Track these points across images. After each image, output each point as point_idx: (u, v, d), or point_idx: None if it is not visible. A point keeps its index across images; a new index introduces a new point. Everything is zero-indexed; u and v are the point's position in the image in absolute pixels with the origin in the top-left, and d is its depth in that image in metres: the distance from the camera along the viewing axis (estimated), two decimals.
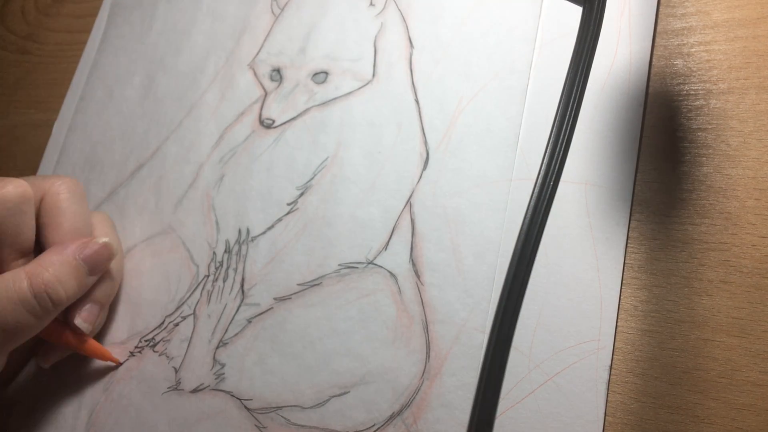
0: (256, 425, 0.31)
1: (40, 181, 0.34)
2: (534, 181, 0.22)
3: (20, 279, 0.30)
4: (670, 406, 0.27)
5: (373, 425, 0.30)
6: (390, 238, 0.33)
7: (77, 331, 0.34)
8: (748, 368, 0.26)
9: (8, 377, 0.37)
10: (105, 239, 0.34)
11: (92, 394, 0.35)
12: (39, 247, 0.34)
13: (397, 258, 0.32)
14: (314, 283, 0.33)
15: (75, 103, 0.44)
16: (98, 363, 0.36)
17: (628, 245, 0.29)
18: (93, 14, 0.47)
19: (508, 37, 0.34)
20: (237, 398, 0.32)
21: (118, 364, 0.36)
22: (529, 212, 0.22)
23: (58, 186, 0.34)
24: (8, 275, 0.30)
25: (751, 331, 0.26)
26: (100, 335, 0.36)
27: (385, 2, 0.37)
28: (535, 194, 0.22)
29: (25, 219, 0.32)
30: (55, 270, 0.31)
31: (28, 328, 0.30)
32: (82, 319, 0.34)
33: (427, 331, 0.30)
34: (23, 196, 0.32)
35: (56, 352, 0.35)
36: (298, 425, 0.31)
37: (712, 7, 0.31)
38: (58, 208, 0.33)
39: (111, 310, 0.37)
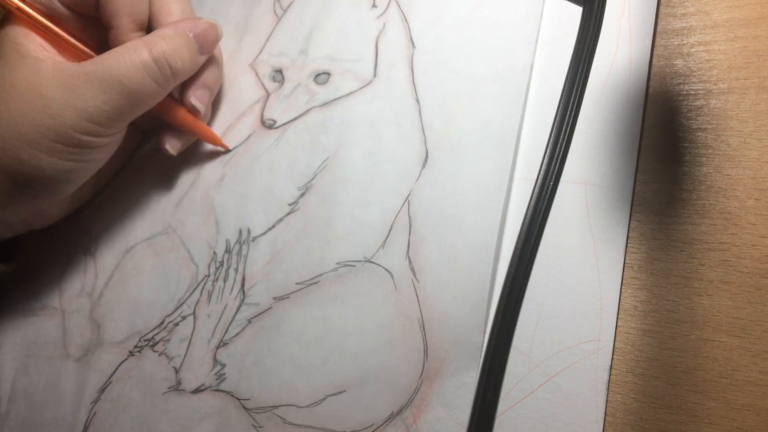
0: (253, 425, 0.31)
1: None
2: (534, 181, 0.22)
3: (140, 47, 0.32)
4: (670, 406, 0.27)
5: (372, 425, 0.30)
6: (388, 236, 0.33)
7: (193, 110, 0.36)
8: (748, 368, 0.26)
9: (126, 152, 0.40)
10: (212, 20, 0.36)
11: (91, 394, 0.35)
12: (149, 31, 0.36)
13: (394, 256, 0.32)
14: (312, 282, 0.33)
15: None
16: (97, 361, 0.36)
17: (628, 245, 0.29)
18: None
19: (508, 38, 0.34)
20: (236, 398, 0.32)
21: (227, 150, 0.38)
22: (529, 212, 0.22)
23: None
24: (129, 45, 0.32)
25: (751, 331, 0.26)
26: (99, 333, 0.36)
27: (387, 3, 0.37)
28: (535, 194, 0.22)
29: None
30: (171, 41, 0.33)
31: (150, 93, 0.33)
32: (197, 99, 0.36)
33: (424, 330, 0.30)
34: None
35: (180, 139, 0.37)
36: (294, 424, 0.31)
37: (712, 7, 0.31)
38: None
39: (111, 309, 0.37)
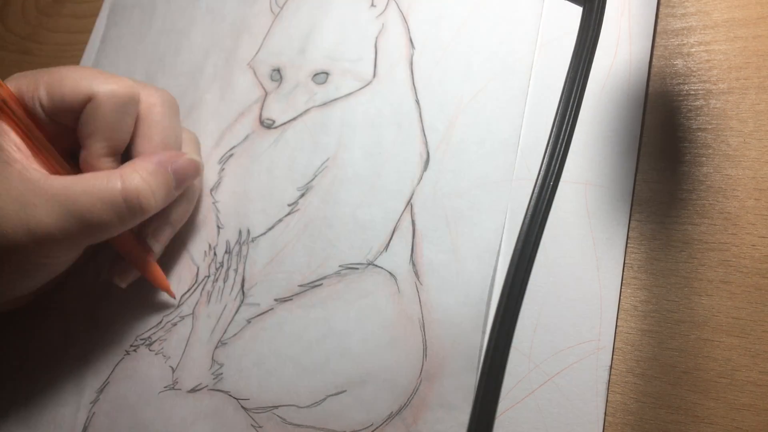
0: (252, 425, 0.31)
1: (139, 88, 0.34)
2: (534, 181, 0.22)
3: (114, 180, 0.30)
4: (670, 406, 0.27)
5: (371, 425, 0.30)
6: (390, 239, 0.32)
7: (146, 249, 0.34)
8: (748, 368, 0.26)
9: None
10: (195, 156, 0.34)
11: (90, 395, 0.35)
12: (126, 155, 0.34)
13: (397, 259, 0.32)
14: (315, 284, 0.33)
15: None
16: (96, 361, 0.36)
17: (628, 245, 0.29)
18: (93, 14, 0.47)
19: (508, 38, 0.34)
20: (234, 398, 0.32)
21: (174, 298, 0.36)
22: (529, 212, 0.22)
23: (155, 97, 0.34)
24: (102, 175, 0.31)
25: (751, 331, 0.26)
26: (99, 334, 0.36)
27: (386, 3, 0.37)
28: (535, 194, 0.22)
29: (126, 119, 0.32)
30: (147, 177, 0.31)
31: (110, 228, 0.31)
32: (155, 238, 0.34)
33: (425, 330, 0.30)
34: (131, 97, 0.32)
35: (132, 271, 0.35)
36: (294, 425, 0.31)
37: (712, 7, 0.31)
38: (153, 119, 0.33)
39: (110, 310, 0.37)
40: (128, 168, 0.31)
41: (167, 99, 0.34)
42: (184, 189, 0.34)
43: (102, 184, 0.30)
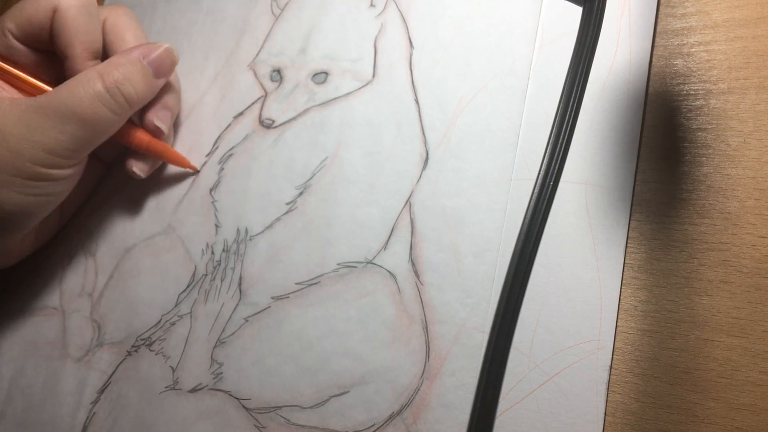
0: (255, 425, 0.31)
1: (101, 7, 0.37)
2: (534, 181, 0.22)
3: (93, 77, 0.32)
4: (670, 406, 0.27)
5: (373, 425, 0.30)
6: (389, 238, 0.32)
7: (156, 131, 0.37)
8: (748, 368, 0.26)
9: (89, 185, 0.40)
10: (167, 45, 0.36)
11: (90, 394, 0.35)
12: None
13: (396, 258, 0.32)
14: (313, 283, 0.33)
15: None
16: (96, 361, 0.36)
17: (628, 245, 0.29)
18: None
19: (507, 38, 0.34)
20: (235, 398, 0.32)
21: (196, 171, 0.38)
22: (529, 212, 0.22)
23: (118, 9, 0.37)
24: (82, 75, 0.33)
25: (751, 331, 0.26)
26: (99, 334, 0.36)
27: (386, 3, 0.37)
28: (535, 194, 0.22)
29: (92, 20, 0.35)
30: (124, 69, 0.33)
31: (107, 122, 0.33)
32: (159, 120, 0.36)
33: (427, 331, 0.30)
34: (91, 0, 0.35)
35: (147, 161, 0.37)
36: (298, 425, 0.31)
37: (712, 7, 0.31)
38: (121, 25, 0.36)
39: (111, 309, 0.37)
40: (104, 65, 0.33)
41: (129, 11, 0.37)
42: (166, 76, 0.36)
43: (84, 84, 0.32)
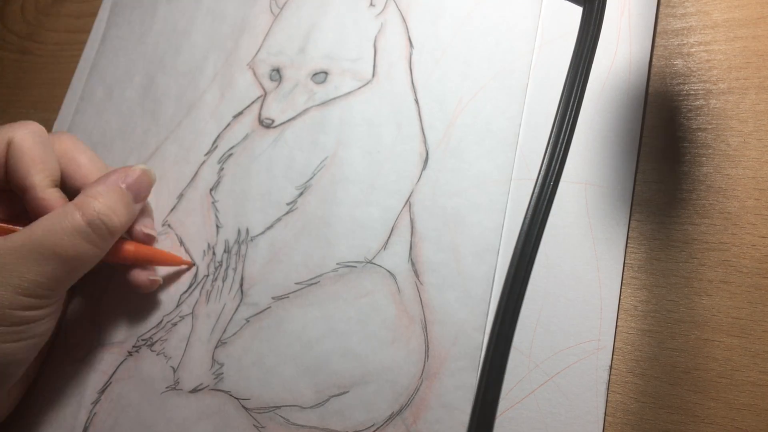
0: (254, 425, 0.31)
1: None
2: (534, 181, 0.22)
3: (71, 211, 0.31)
4: (670, 406, 0.27)
5: (373, 425, 0.30)
6: (389, 237, 0.32)
7: (148, 239, 0.36)
8: (748, 368, 0.26)
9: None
10: (143, 166, 0.35)
11: (91, 395, 0.35)
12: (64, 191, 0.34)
13: (396, 258, 0.32)
14: (312, 282, 0.33)
15: (75, 103, 0.44)
16: (97, 362, 0.36)
17: (628, 245, 0.29)
18: (93, 14, 0.47)
19: (507, 37, 0.34)
20: (235, 398, 0.32)
21: (191, 266, 0.36)
22: (529, 212, 0.22)
23: (62, 135, 0.35)
24: (59, 211, 0.31)
25: (751, 331, 0.26)
26: (99, 334, 0.36)
27: (385, 2, 0.37)
28: (535, 194, 0.22)
29: (47, 149, 0.33)
30: (103, 198, 0.32)
31: (88, 257, 0.31)
32: (146, 227, 0.35)
33: (426, 331, 0.30)
34: (42, 128, 0.34)
35: (148, 269, 0.35)
36: (298, 425, 0.31)
37: (712, 7, 0.31)
38: (72, 150, 0.35)
39: (110, 310, 0.37)
40: (81, 196, 0.32)
41: (70, 135, 0.36)
42: (145, 199, 0.35)
43: (61, 218, 0.30)
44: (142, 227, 0.35)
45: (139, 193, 0.34)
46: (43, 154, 0.33)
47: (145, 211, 0.36)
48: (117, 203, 0.32)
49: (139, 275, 0.35)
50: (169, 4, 0.44)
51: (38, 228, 0.30)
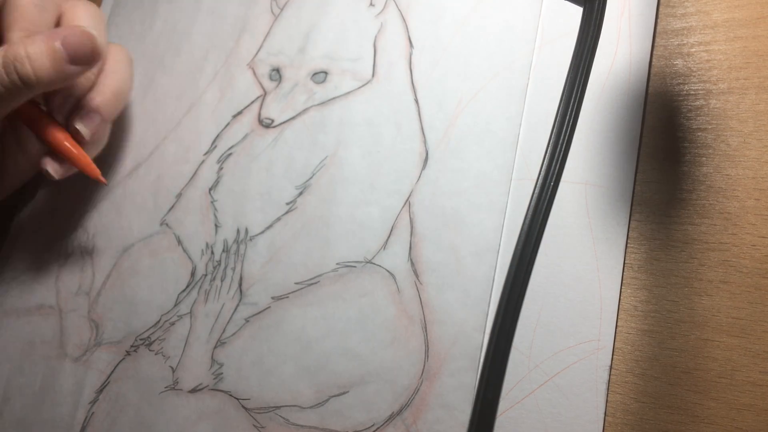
0: (254, 425, 0.31)
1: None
2: (534, 181, 0.22)
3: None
4: (670, 406, 0.27)
5: (373, 425, 0.30)
6: (389, 237, 0.32)
7: (76, 136, 0.34)
8: (748, 368, 0.26)
9: (11, 185, 0.38)
10: (87, 29, 0.33)
11: (89, 394, 0.35)
12: None
13: (395, 258, 0.32)
14: (312, 282, 0.33)
15: None
16: (95, 361, 0.36)
17: (628, 245, 0.29)
18: None
19: (507, 37, 0.34)
20: (235, 398, 0.32)
21: (104, 183, 0.37)
22: (529, 212, 0.22)
23: (80, 3, 0.35)
24: None
25: (751, 331, 0.26)
26: (97, 333, 0.36)
27: (385, 2, 0.37)
28: (535, 194, 0.22)
29: (43, 14, 0.33)
30: (31, 46, 0.31)
31: None
32: (83, 123, 0.34)
33: (426, 331, 0.30)
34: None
35: (63, 163, 0.35)
36: (298, 425, 0.31)
37: (712, 7, 0.31)
38: (77, 21, 0.34)
39: (110, 309, 0.37)
40: (17, 38, 0.32)
41: (91, 6, 0.35)
42: (84, 65, 0.33)
43: None
44: (78, 121, 0.34)
45: (76, 54, 0.32)
46: (33, 15, 0.33)
47: (99, 106, 0.34)
48: (41, 55, 0.31)
49: (48, 163, 0.34)
50: (169, 3, 0.44)
51: None
